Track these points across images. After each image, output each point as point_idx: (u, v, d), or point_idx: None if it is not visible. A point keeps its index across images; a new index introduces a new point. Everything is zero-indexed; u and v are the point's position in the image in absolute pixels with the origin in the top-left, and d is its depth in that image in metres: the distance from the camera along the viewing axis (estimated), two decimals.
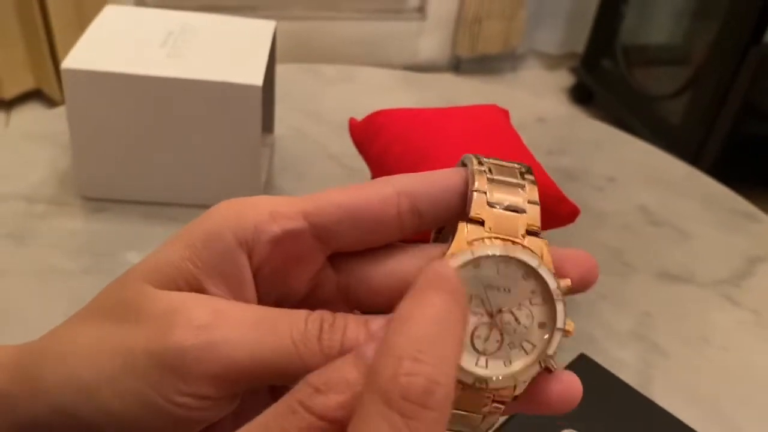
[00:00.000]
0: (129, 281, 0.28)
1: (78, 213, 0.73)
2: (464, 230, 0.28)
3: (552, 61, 2.83)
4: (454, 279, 0.24)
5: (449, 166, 0.58)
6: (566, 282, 0.28)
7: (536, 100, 1.04)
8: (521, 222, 0.28)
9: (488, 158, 0.29)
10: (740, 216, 0.85)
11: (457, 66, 2.73)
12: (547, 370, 0.28)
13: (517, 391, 0.28)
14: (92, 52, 0.68)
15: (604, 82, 2.54)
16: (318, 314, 0.26)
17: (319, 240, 0.28)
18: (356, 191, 0.28)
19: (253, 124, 0.68)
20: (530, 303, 0.27)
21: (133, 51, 0.69)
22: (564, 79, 2.77)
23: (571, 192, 0.82)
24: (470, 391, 0.27)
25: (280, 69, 0.92)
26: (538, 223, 0.28)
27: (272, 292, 0.28)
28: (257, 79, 0.66)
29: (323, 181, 0.81)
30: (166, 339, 0.26)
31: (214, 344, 0.25)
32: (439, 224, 0.28)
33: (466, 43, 2.64)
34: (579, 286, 0.29)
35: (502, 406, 0.28)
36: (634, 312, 0.70)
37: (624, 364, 0.64)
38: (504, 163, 0.29)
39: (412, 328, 0.22)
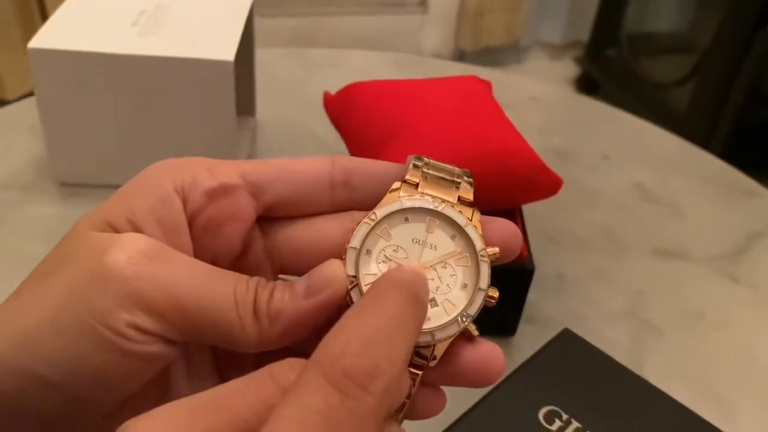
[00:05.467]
0: (71, 233, 0.27)
1: (54, 199, 0.71)
2: (397, 187, 0.28)
3: (556, 52, 2.80)
4: (416, 283, 0.24)
5: (425, 138, 0.56)
6: (494, 250, 0.28)
7: (528, 80, 1.02)
8: (454, 191, 0.29)
9: (433, 160, 0.30)
10: (738, 191, 0.82)
11: (461, 59, 2.71)
12: (468, 336, 0.27)
13: (435, 353, 0.27)
14: (61, 31, 0.66)
15: (609, 72, 2.51)
16: (255, 279, 0.27)
17: (253, 197, 0.28)
18: (296, 159, 0.29)
19: (227, 102, 0.66)
20: (455, 263, 0.28)
21: (102, 30, 0.67)
22: (569, 69, 2.74)
23: (564, 171, 0.79)
24: None
25: (265, 53, 0.91)
26: (471, 197, 0.29)
27: (206, 250, 0.28)
28: (229, 55, 0.64)
29: None
30: (108, 258, 0.25)
31: (158, 276, 0.25)
32: (370, 203, 0.28)
33: (469, 35, 2.61)
34: (502, 253, 0.29)
35: (419, 372, 0.27)
36: (626, 290, 0.67)
37: (615, 342, 0.62)
38: (444, 165, 0.29)
39: (366, 319, 0.23)
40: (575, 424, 0.47)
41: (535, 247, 0.67)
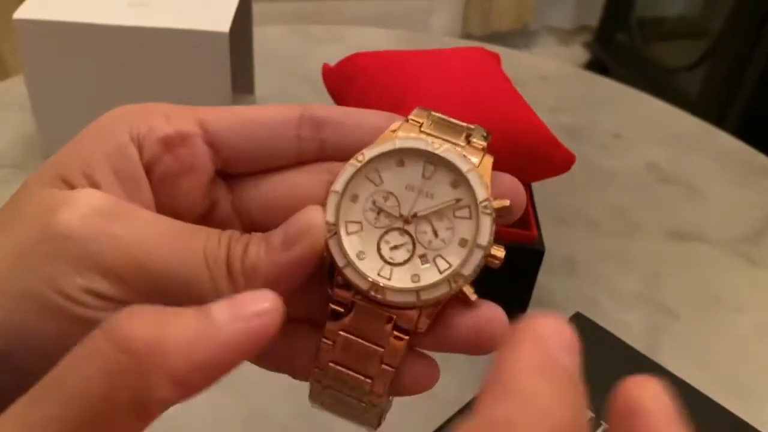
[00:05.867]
0: (20, 190, 0.25)
1: None
2: (396, 127, 0.25)
3: (565, 36, 2.76)
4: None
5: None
6: (503, 202, 0.24)
7: (537, 59, 0.99)
8: (465, 131, 0.25)
9: (442, 115, 0.26)
10: (757, 171, 0.79)
11: None
12: (463, 300, 0.24)
13: (422, 320, 0.24)
14: (49, 1, 0.63)
15: (618, 57, 2.47)
16: (228, 232, 0.24)
17: (212, 148, 0.26)
18: (261, 108, 0.26)
19: (222, 75, 0.63)
20: (454, 215, 0.24)
21: (93, 0, 0.64)
22: (578, 54, 2.70)
23: (575, 150, 0.76)
24: (366, 304, 0.24)
25: (264, 30, 0.88)
26: (484, 144, 0.25)
27: (166, 206, 0.26)
28: (224, 26, 0.61)
29: None
30: (60, 217, 0.23)
31: (116, 235, 0.23)
32: (346, 158, 0.25)
33: (477, 20, 2.57)
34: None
35: (404, 337, 0.24)
36: (640, 272, 0.64)
37: (629, 327, 0.59)
38: (453, 122, 0.25)
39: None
40: (588, 414, 0.44)
41: (545, 229, 0.64)
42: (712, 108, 2.10)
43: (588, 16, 2.65)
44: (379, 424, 0.26)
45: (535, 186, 0.60)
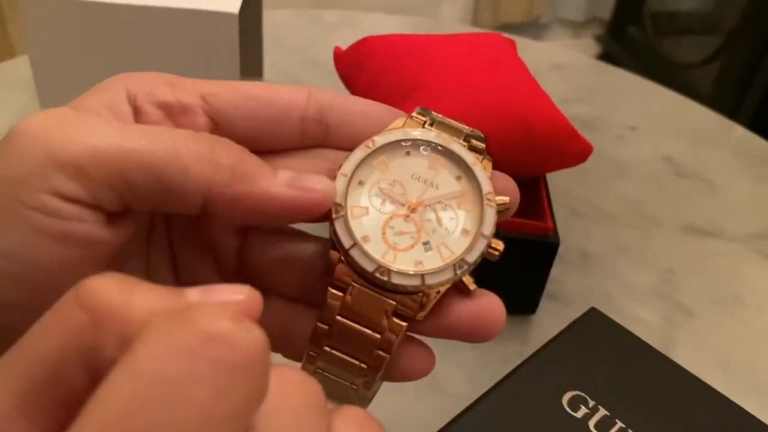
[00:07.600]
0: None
1: None
2: (400, 125, 0.26)
3: (576, 29, 2.74)
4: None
5: (444, 97, 0.51)
6: (504, 198, 0.25)
7: (552, 47, 0.97)
8: (464, 133, 0.26)
9: (442, 116, 0.27)
10: None
11: None
12: (463, 290, 0.24)
13: (425, 308, 0.24)
14: None
15: (630, 51, 2.45)
16: (212, 135, 0.24)
17: (213, 123, 0.25)
18: (267, 86, 0.26)
19: (231, 58, 0.61)
20: (457, 205, 0.25)
21: None
22: (589, 47, 2.68)
23: (590, 141, 0.75)
24: (369, 289, 0.24)
25: (276, 14, 0.86)
26: (481, 137, 0.26)
27: None
28: (233, 7, 0.60)
29: None
30: (19, 124, 0.22)
31: (77, 127, 0.22)
32: (350, 146, 0.25)
33: (489, 12, 2.56)
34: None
35: (403, 324, 0.24)
36: (655, 268, 0.63)
37: (643, 323, 0.57)
38: (453, 124, 0.26)
39: None
40: (602, 411, 0.43)
41: (558, 221, 0.63)
42: (725, 104, 2.08)
43: (600, 9, 2.63)
44: (366, 406, 0.26)
45: (549, 177, 0.59)
